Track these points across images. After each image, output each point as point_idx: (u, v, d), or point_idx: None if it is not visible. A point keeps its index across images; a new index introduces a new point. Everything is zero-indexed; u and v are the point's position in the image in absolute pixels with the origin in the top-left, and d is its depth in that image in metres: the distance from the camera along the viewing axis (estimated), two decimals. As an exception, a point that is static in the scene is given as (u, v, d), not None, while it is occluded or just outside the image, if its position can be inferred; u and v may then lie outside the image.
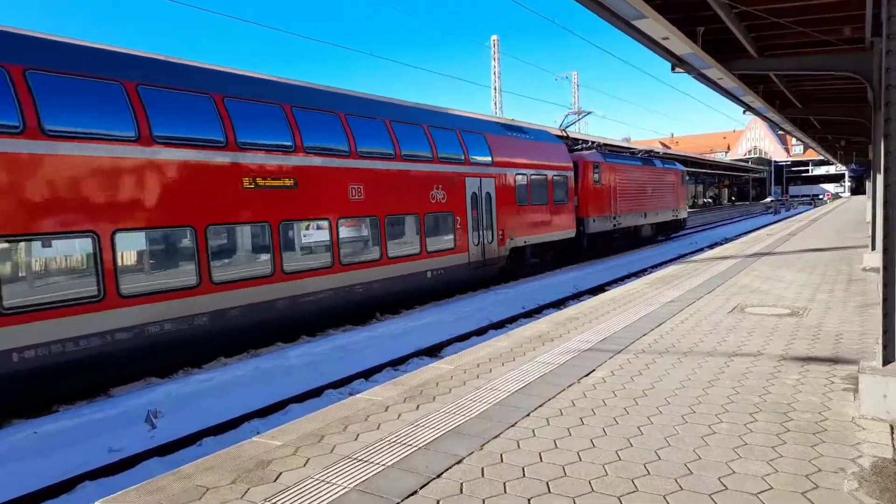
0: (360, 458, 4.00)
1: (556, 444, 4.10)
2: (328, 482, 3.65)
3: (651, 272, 20.28)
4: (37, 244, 8.08)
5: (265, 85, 12.26)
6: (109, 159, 8.81)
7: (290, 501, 3.43)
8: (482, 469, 3.76)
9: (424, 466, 3.81)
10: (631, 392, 5.09)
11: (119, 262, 8.82)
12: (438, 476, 3.68)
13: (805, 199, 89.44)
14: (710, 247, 28.02)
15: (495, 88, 48.39)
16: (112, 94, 9.01)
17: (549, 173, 20.74)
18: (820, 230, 23.70)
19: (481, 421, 4.56)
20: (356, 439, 4.33)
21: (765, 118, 22.92)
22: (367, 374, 9.27)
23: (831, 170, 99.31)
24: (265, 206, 10.97)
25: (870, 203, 33.38)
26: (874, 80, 12.10)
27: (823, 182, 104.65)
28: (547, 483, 3.55)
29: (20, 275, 7.92)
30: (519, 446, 4.09)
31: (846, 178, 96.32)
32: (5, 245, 7.71)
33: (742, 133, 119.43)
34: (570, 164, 22.43)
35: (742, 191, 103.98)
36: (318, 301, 11.96)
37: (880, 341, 4.26)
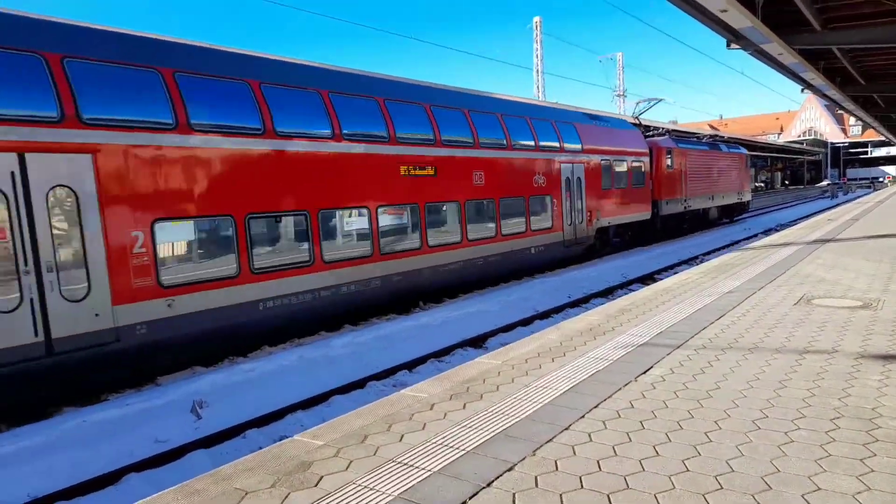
0: (404, 461, 3.77)
1: (615, 451, 3.79)
2: (371, 488, 3.44)
3: (703, 260, 19.54)
4: (271, 221, 10.33)
5: (412, 88, 14.42)
6: (314, 153, 11.10)
7: (332, 510, 3.23)
8: (535, 478, 3.49)
9: (473, 473, 3.56)
10: (694, 392, 4.72)
11: (322, 236, 11.04)
12: (489, 485, 3.42)
13: (864, 182, 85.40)
14: (765, 233, 26.93)
15: (537, 71, 47.47)
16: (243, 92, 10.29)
17: (629, 159, 22.15)
18: (884, 215, 22.41)
19: (532, 423, 4.28)
20: (401, 440, 4.11)
21: (824, 96, 21.78)
22: (411, 366, 9.09)
23: (893, 151, 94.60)
24: (415, 190, 13.16)
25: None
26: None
27: (883, 164, 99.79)
28: (608, 496, 3.26)
29: (262, 244, 10.16)
30: (574, 452, 3.80)
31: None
32: (255, 220, 10.00)
33: (796, 113, 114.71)
34: (647, 150, 23.62)
35: (796, 174, 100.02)
36: (451, 271, 14.10)
37: (984, 341, 3.79)
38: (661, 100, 28.78)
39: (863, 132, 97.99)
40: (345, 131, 11.58)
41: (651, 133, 28.19)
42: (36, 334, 7.47)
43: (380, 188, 12.30)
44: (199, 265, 9.35)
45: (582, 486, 3.38)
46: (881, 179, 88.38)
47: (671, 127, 33.65)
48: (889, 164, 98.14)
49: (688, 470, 3.50)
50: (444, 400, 4.86)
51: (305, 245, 10.80)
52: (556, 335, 6.76)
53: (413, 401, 4.88)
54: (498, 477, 3.51)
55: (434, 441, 4.05)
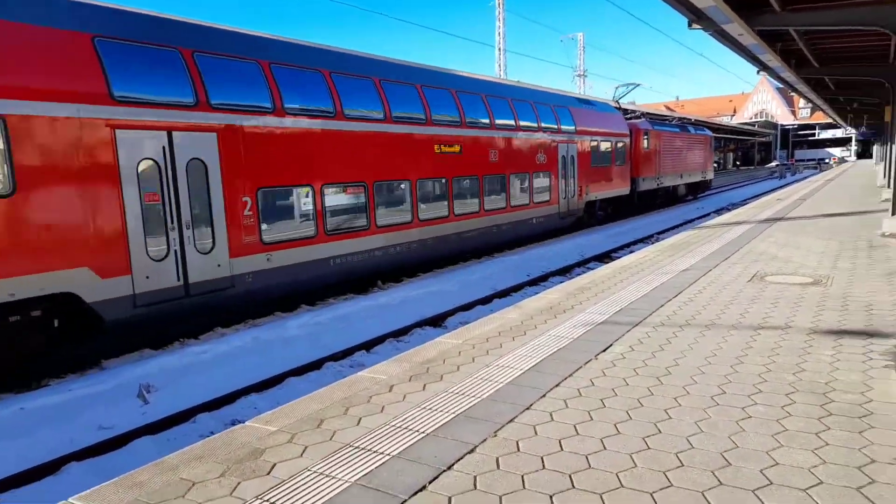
0: (362, 446, 3.64)
1: (576, 430, 3.74)
2: (327, 475, 3.30)
3: (658, 239, 19.86)
4: (340, 190, 12.14)
5: (438, 75, 16.02)
6: (371, 133, 12.80)
7: (285, 498, 3.08)
8: (497, 459, 3.40)
9: (433, 457, 3.45)
10: (653, 370, 4.72)
11: (376, 204, 12.78)
12: (449, 468, 3.32)
13: (811, 163, 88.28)
14: (717, 212, 27.55)
15: (499, 49, 47.19)
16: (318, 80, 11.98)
17: (613, 139, 24.25)
18: (831, 195, 23.17)
19: (493, 403, 4.20)
20: (358, 424, 3.97)
21: (780, 78, 22.18)
22: (369, 346, 8.94)
23: (838, 133, 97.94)
24: (445, 166, 14.85)
25: (880, 168, 32.74)
26: (903, 34, 11.44)
27: (829, 146, 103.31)
28: (570, 476, 3.20)
29: (333, 210, 11.88)
30: (536, 432, 3.73)
31: (853, 142, 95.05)
32: (328, 189, 11.70)
33: (749, 96, 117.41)
34: (627, 132, 25.71)
35: (747, 155, 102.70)
36: (471, 238, 15.95)
37: (934, 316, 3.85)
38: (638, 84, 31.59)
39: (811, 115, 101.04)
40: (393, 114, 13.31)
41: (629, 116, 30.08)
42: (178, 279, 9.22)
43: (418, 163, 14.10)
44: (289, 227, 11.17)
45: (544, 466, 3.31)
46: (827, 161, 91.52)
47: (644, 110, 35.22)
48: (835, 146, 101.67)
49: (649, 448, 3.47)
50: (403, 381, 4.73)
51: (364, 212, 12.64)
52: (516, 314, 6.70)
53: (371, 382, 4.74)
54: (459, 459, 3.41)
55: (393, 424, 3.93)
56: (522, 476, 3.22)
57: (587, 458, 3.39)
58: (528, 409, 4.09)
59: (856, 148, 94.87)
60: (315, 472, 3.35)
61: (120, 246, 8.47)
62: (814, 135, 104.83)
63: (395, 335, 9.44)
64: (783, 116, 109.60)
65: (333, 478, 3.26)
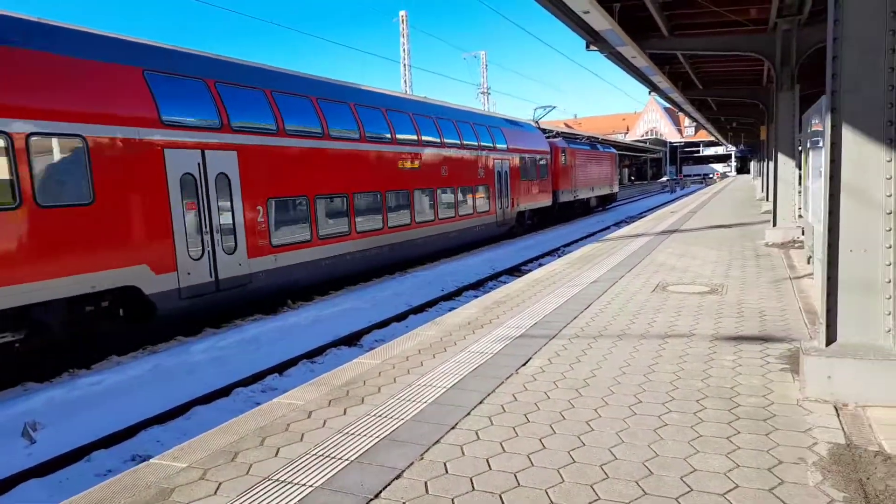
0: (282, 479, 3.45)
1: (503, 448, 3.72)
2: (245, 513, 3.09)
3: (564, 252, 20.54)
4: (328, 200, 13.97)
5: (400, 100, 18.65)
6: (349, 151, 14.82)
7: (200, 543, 2.85)
8: (426, 484, 3.32)
9: (359, 485, 3.32)
10: (572, 382, 4.81)
11: (355, 212, 14.83)
12: (376, 496, 3.20)
13: (697, 177, 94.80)
14: (617, 225, 28.94)
15: (405, 65, 47.45)
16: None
17: (537, 156, 27.17)
18: (717, 208, 24.91)
19: (418, 424, 4.11)
20: (276, 455, 3.76)
21: (669, 99, 23.71)
22: (282, 369, 8.58)
23: (720, 150, 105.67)
24: (408, 179, 17.10)
25: (758, 182, 35.81)
26: (776, 60, 12.54)
27: (712, 162, 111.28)
28: (500, 496, 3.16)
29: (323, 217, 13.82)
30: (463, 452, 3.68)
31: (733, 159, 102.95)
32: (319, 200, 13.58)
33: (640, 115, 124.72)
34: (548, 149, 28.81)
35: (640, 170, 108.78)
36: (428, 242, 18.15)
37: (823, 321, 4.17)
38: (554, 107, 35.81)
39: (695, 133, 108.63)
40: (367, 134, 15.48)
41: (548, 135, 32.85)
42: (210, 276, 10.87)
43: (386, 177, 16.19)
44: (290, 231, 12.82)
45: (473, 487, 3.26)
46: (711, 175, 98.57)
47: (547, 127, 38.69)
48: (717, 162, 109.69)
49: (574, 461, 3.51)
50: (322, 406, 4.55)
51: (345, 219, 14.50)
52: (435, 331, 6.66)
53: (288, 409, 4.53)
54: (386, 486, 3.30)
55: (314, 453, 3.75)
56: (452, 499, 3.15)
57: (516, 476, 3.38)
58: (453, 428, 4.04)
59: (735, 164, 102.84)
60: (232, 511, 3.13)
61: (169, 246, 10.13)
62: (699, 151, 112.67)
63: (309, 356, 9.13)
64: (671, 134, 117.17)
65: (253, 516, 3.06)
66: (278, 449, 3.85)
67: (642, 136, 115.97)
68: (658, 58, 15.56)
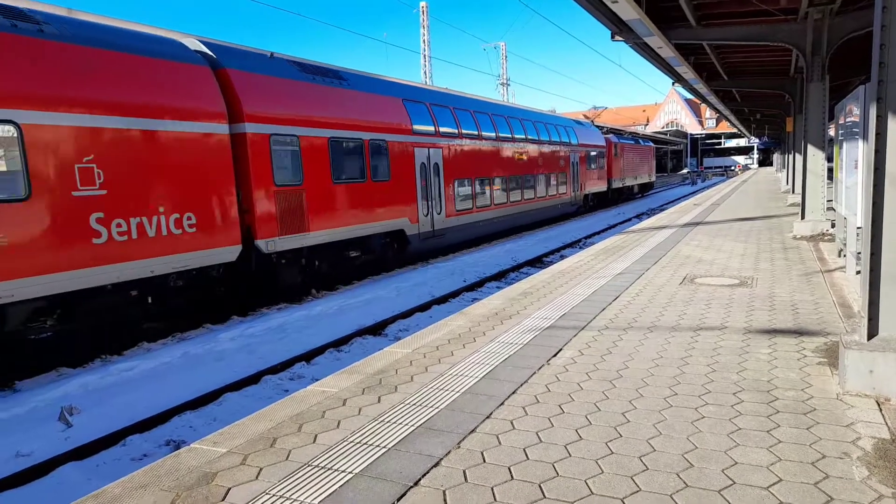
0: (321, 465, 3.48)
1: (539, 438, 3.72)
2: (288, 498, 3.13)
3: (585, 244, 20.42)
4: (486, 181, 20.28)
5: (516, 110, 25.09)
6: (494, 147, 21.08)
7: (246, 526, 2.89)
8: (464, 472, 3.34)
9: (398, 472, 3.35)
10: (605, 373, 4.79)
11: (511, 189, 21.91)
12: (416, 484, 3.23)
13: (718, 170, 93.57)
14: (638, 217, 28.68)
15: (425, 56, 47.32)
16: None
17: (597, 150, 32.96)
18: (741, 200, 24.57)
19: (453, 413, 4.13)
20: (314, 441, 3.81)
21: (693, 90, 23.37)
22: (309, 357, 8.65)
23: (741, 142, 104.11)
24: (527, 165, 23.72)
25: (782, 174, 35.29)
26: (806, 50, 12.30)
27: (734, 154, 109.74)
28: (539, 486, 3.17)
29: (483, 192, 20.18)
30: (500, 442, 3.69)
31: (755, 151, 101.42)
32: (481, 180, 19.96)
33: (661, 106, 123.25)
34: (605, 144, 34.67)
35: (661, 162, 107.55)
36: (539, 211, 24.90)
37: (865, 314, 4.11)
38: (605, 108, 45.20)
39: (717, 124, 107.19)
40: (500, 134, 21.55)
41: (602, 131, 39.74)
42: (430, 227, 16.97)
43: (514, 165, 22.45)
44: (463, 202, 18.85)
45: (512, 476, 3.27)
46: (733, 168, 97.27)
47: (609, 126, 46.61)
48: (739, 155, 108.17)
49: (612, 452, 3.50)
50: (356, 394, 4.59)
51: (488, 195, 20.54)
52: (463, 321, 6.67)
53: (322, 397, 4.57)
54: (425, 474, 3.32)
55: (351, 440, 3.79)
56: (492, 488, 3.16)
57: (554, 466, 3.38)
58: (488, 417, 4.05)
59: (758, 156, 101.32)
60: (275, 495, 3.17)
61: (416, 207, 16.22)
62: (720, 143, 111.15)
63: (335, 345, 9.19)
64: (691, 126, 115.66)
65: (295, 500, 3.10)
66: (316, 436, 3.89)
67: (662, 127, 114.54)
68: (684, 48, 15.35)
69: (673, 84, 22.72)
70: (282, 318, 10.72)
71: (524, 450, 3.58)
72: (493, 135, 21.01)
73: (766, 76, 22.13)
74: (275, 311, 11.61)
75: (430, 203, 16.82)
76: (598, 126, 40.13)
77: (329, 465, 3.47)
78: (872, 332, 4.12)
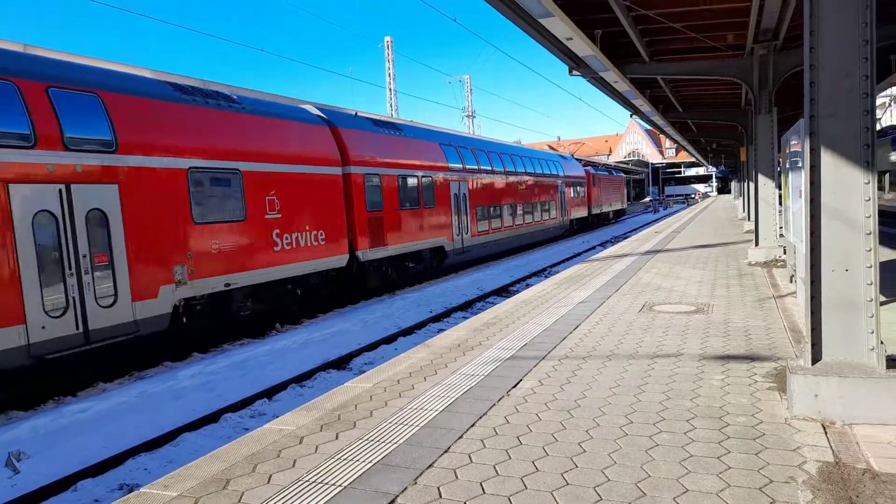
0: (275, 506, 3.43)
1: (496, 471, 3.73)
2: (240, 542, 3.07)
3: (551, 272, 20.64)
4: (497, 208, 24.76)
5: (517, 149, 30.23)
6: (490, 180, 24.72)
7: (194, 573, 2.82)
8: (420, 508, 3.32)
9: (354, 511, 3.31)
10: (563, 403, 4.84)
11: (516, 214, 26.42)
12: (371, 522, 3.19)
13: (679, 198, 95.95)
14: (602, 245, 29.16)
15: (390, 90, 47.88)
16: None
17: (578, 181, 37.57)
18: (700, 228, 25.22)
19: (411, 448, 4.12)
20: (268, 482, 3.74)
21: (650, 121, 24.09)
22: (271, 394, 8.51)
23: (700, 171, 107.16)
24: (526, 195, 27.99)
25: (739, 202, 36.50)
26: (753, 84, 12.84)
27: (694, 182, 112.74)
28: (495, 520, 3.17)
29: (500, 217, 25.07)
30: (457, 476, 3.69)
31: (713, 179, 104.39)
32: (494, 208, 24.52)
33: (622, 137, 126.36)
34: (585, 176, 39.48)
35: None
36: (530, 235, 28.70)
37: (808, 339, 4.25)
38: (584, 143, 48.12)
39: (676, 154, 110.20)
40: (506, 169, 25.88)
41: (582, 164, 45.18)
42: (461, 244, 21.08)
43: (514, 195, 26.36)
44: (483, 224, 22.90)
45: (468, 512, 3.27)
46: (693, 196, 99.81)
47: (585, 159, 52.65)
48: (698, 183, 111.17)
49: (568, 483, 3.53)
50: (313, 432, 4.53)
51: (500, 219, 24.61)
52: (425, 353, 6.66)
53: (279, 435, 4.51)
54: (380, 512, 3.29)
55: (307, 479, 3.74)
56: (448, 524, 3.15)
57: (510, 499, 3.39)
58: (446, 451, 4.04)
59: (716, 184, 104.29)
60: (226, 539, 3.10)
61: (450, 228, 20.16)
62: (680, 172, 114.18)
63: (298, 380, 9.07)
64: (652, 155, 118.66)
65: (247, 544, 3.03)
66: (270, 476, 3.82)
67: (625, 157, 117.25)
68: (639, 82, 15.87)
69: (631, 116, 23.43)
70: (244, 354, 10.54)
71: (481, 484, 3.58)
72: (503, 169, 25.37)
73: (719, 108, 22.99)
74: (237, 346, 11.42)
75: (460, 225, 20.91)
76: (577, 159, 46.05)
77: (283, 506, 3.41)
78: (816, 357, 4.26)
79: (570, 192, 35.43)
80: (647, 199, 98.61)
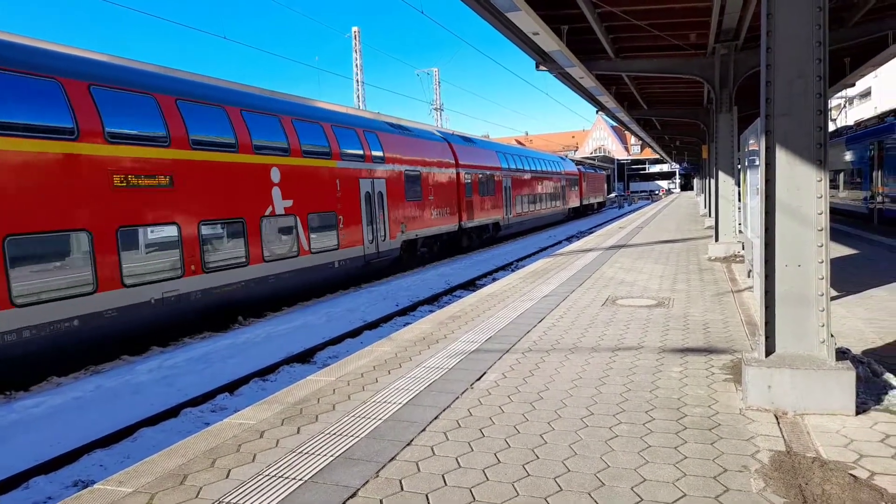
0: (233, 501, 3.38)
1: (458, 463, 3.74)
2: (196, 538, 3.01)
3: (517, 266, 20.78)
4: (531, 197, 36.35)
5: (538, 153, 42.40)
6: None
7: (148, 570, 2.76)
8: (381, 502, 3.31)
9: (314, 505, 3.28)
10: (526, 395, 4.88)
11: (540, 201, 37.37)
12: (332, 516, 3.17)
13: (644, 194, 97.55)
14: (568, 240, 29.49)
15: (358, 81, 47.43)
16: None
17: (573, 177, 46.40)
18: (663, 223, 25.69)
19: (373, 441, 4.10)
20: (227, 477, 3.69)
21: (615, 118, 24.37)
22: (233, 388, 8.38)
23: (664, 167, 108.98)
24: (543, 189, 38.76)
25: (701, 198, 37.42)
26: (715, 83, 13.10)
27: (658, 179, 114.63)
28: (456, 512, 3.18)
29: (522, 202, 34.61)
30: (419, 469, 3.69)
31: (677, 176, 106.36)
32: (529, 196, 35.48)
33: (588, 132, 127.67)
34: (577, 173, 48.52)
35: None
36: (547, 217, 39.30)
37: (762, 332, 4.37)
38: (575, 149, 60.24)
39: (641, 150, 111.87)
40: (531, 168, 36.82)
41: (575, 162, 55.74)
42: (507, 221, 30.75)
43: (539, 187, 37.18)
44: (519, 208, 32.37)
45: (429, 504, 3.27)
46: (657, 192, 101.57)
47: (573, 158, 63.85)
48: (662, 179, 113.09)
49: (529, 475, 3.56)
50: (274, 426, 4.48)
51: (532, 205, 35.37)
52: (389, 346, 6.64)
53: (239, 429, 4.44)
54: (341, 506, 3.27)
55: (266, 474, 3.69)
56: (409, 516, 3.15)
57: (471, 491, 3.40)
58: (409, 444, 4.04)
59: (680, 181, 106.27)
60: (182, 535, 3.05)
61: (502, 209, 29.57)
62: (645, 169, 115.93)
63: (261, 374, 8.95)
64: (618, 152, 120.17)
65: (204, 540, 2.98)
66: (229, 470, 3.77)
67: (591, 153, 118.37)
68: (605, 79, 16.03)
69: (597, 112, 23.69)
70: (206, 348, 10.36)
71: (443, 476, 3.59)
72: (529, 169, 34.46)
73: (682, 106, 23.38)
74: (198, 340, 11.21)
75: (507, 208, 29.94)
76: (573, 159, 58.42)
77: (241, 502, 3.36)
78: (770, 350, 4.38)
79: (569, 186, 44.77)
80: (613, 195, 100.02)
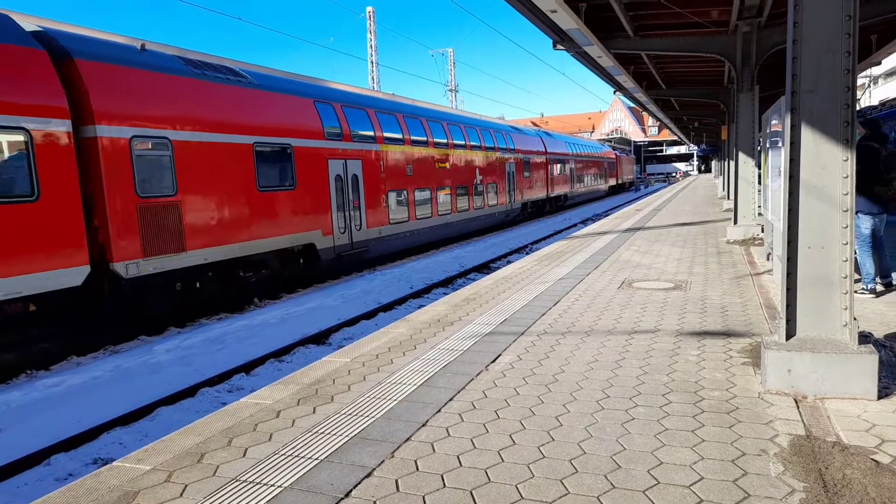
0: (250, 479, 3.40)
1: (473, 444, 3.73)
2: (213, 515, 3.04)
3: (532, 249, 20.70)
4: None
5: (585, 143, 49.27)
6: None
7: (166, 547, 2.79)
8: (396, 482, 3.31)
9: (329, 484, 3.30)
10: (542, 378, 4.85)
11: (581, 180, 42.81)
12: (347, 495, 3.18)
13: (660, 176, 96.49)
14: (583, 223, 29.27)
15: (372, 62, 47.13)
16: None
17: (611, 160, 54.29)
18: (680, 206, 25.39)
19: (388, 422, 4.10)
20: (244, 455, 3.71)
21: (633, 98, 24.03)
22: (248, 368, 8.46)
23: (682, 149, 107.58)
24: (585, 169, 45.34)
25: (719, 181, 36.92)
26: (737, 61, 12.83)
27: (675, 161, 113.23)
28: (471, 493, 3.17)
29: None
30: (434, 449, 3.68)
31: (695, 158, 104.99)
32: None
33: (605, 114, 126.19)
34: (614, 155, 56.55)
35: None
36: (593, 193, 47.44)
37: (783, 315, 4.29)
38: (623, 136, 74.24)
39: (659, 132, 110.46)
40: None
41: (610, 146, 63.83)
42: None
43: (578, 168, 42.33)
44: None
45: (444, 484, 3.27)
46: (674, 174, 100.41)
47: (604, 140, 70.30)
48: (680, 161, 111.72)
49: (544, 457, 3.54)
50: (290, 406, 4.50)
51: (566, 184, 38.83)
52: (404, 328, 6.64)
53: (256, 409, 4.47)
54: (356, 485, 3.28)
55: (283, 453, 3.71)
56: (423, 497, 3.15)
57: (486, 472, 3.39)
58: (423, 425, 4.04)
59: (697, 163, 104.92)
60: (199, 513, 3.07)
61: (569, 185, 39.31)
62: (662, 151, 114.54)
63: (277, 355, 9.02)
64: (635, 133, 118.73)
65: (221, 518, 3.01)
66: (246, 449, 3.79)
67: (607, 134, 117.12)
68: (623, 58, 15.77)
69: (615, 92, 23.36)
70: (221, 329, 10.45)
71: (458, 457, 3.58)
72: (584, 153, 42.25)
73: (702, 86, 22.96)
74: (214, 321, 11.32)
75: (572, 184, 37.25)
76: (609, 141, 66.62)
77: (258, 480, 3.38)
78: (790, 333, 4.30)
79: (609, 168, 53.21)
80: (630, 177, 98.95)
